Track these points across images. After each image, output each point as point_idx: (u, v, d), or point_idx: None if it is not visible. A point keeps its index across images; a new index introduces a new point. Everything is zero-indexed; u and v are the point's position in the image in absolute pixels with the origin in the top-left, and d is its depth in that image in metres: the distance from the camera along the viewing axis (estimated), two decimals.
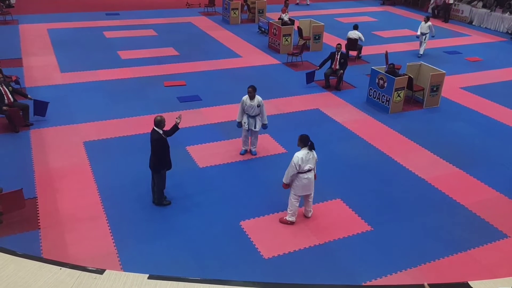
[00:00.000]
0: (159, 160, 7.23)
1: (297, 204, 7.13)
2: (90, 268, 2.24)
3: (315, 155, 7.01)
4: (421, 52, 16.07)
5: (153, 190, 7.59)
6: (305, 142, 6.86)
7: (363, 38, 15.43)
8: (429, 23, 15.86)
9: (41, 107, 10.24)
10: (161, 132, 7.16)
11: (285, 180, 7.06)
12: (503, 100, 12.49)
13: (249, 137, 9.11)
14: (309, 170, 6.93)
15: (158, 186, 7.47)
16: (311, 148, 6.88)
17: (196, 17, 20.92)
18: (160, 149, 7.16)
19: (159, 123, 7.15)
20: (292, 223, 7.24)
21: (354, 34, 15.33)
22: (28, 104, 10.13)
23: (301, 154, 6.82)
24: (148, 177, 8.20)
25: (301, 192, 7.03)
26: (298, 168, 6.83)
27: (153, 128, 7.18)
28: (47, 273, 2.18)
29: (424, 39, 15.99)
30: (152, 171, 7.41)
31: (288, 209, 7.17)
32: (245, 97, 8.74)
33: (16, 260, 2.27)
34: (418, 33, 16.13)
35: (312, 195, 7.26)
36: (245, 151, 9.22)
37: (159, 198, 7.55)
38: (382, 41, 17.82)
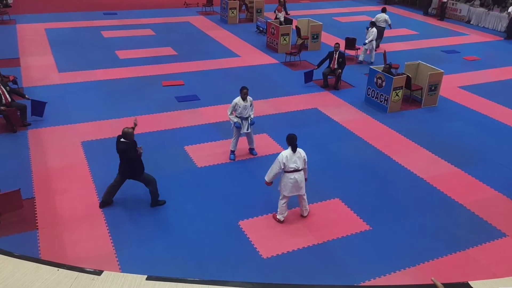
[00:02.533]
0: (134, 167, 7.16)
1: (284, 205, 7.12)
2: (88, 269, 2.23)
3: (303, 155, 6.95)
4: (372, 60, 14.98)
5: (108, 190, 7.45)
6: (289, 142, 6.88)
7: (389, 21, 16.21)
8: (373, 29, 14.77)
9: (38, 107, 10.20)
10: (127, 142, 7.05)
11: (267, 177, 7.07)
12: (501, 99, 12.50)
13: (240, 139, 9.03)
14: (296, 170, 6.90)
15: (152, 186, 7.37)
16: (294, 149, 6.86)
17: (194, 17, 20.90)
18: (130, 157, 7.06)
19: (126, 135, 7.01)
20: (279, 221, 7.25)
21: (381, 17, 16.05)
22: (26, 104, 10.10)
23: (286, 153, 6.85)
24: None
25: (289, 192, 7.01)
26: (283, 166, 6.84)
27: (119, 139, 7.07)
28: (45, 274, 2.17)
29: (369, 46, 14.84)
30: (135, 178, 7.32)
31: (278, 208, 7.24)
32: (238, 99, 8.60)
33: (13, 261, 2.26)
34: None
35: (305, 195, 7.22)
36: (235, 157, 9.07)
37: (156, 196, 7.48)
38: (381, 41, 17.80)
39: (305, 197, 7.24)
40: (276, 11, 18.00)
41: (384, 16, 16.29)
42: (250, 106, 8.75)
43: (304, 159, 6.97)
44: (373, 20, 15.74)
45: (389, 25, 16.48)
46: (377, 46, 16.35)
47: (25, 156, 8.89)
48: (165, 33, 17.90)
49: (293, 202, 7.72)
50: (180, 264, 6.36)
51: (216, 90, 12.43)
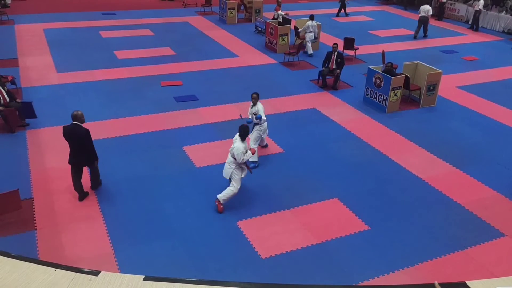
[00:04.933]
0: (93, 151, 7.51)
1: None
2: (85, 270, 2.23)
3: (235, 146, 7.17)
4: (310, 52, 15.74)
5: (76, 185, 7.62)
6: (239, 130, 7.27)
7: (430, 12, 18.17)
8: (309, 22, 15.31)
9: (28, 109, 10.03)
10: (81, 124, 7.36)
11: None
12: (500, 99, 12.52)
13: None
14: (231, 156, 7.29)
15: (96, 175, 7.79)
16: (242, 139, 7.22)
17: (192, 17, 20.90)
18: (91, 140, 7.43)
19: (76, 117, 7.32)
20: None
21: (425, 8, 17.99)
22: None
23: (236, 136, 7.32)
24: (145, 177, 8.22)
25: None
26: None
27: (74, 124, 7.33)
28: (42, 275, 2.17)
29: (309, 38, 15.64)
30: (88, 165, 7.63)
31: None
32: (251, 104, 8.82)
33: (11, 261, 2.26)
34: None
35: (231, 186, 7.43)
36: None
37: (97, 181, 7.89)
38: (379, 41, 17.85)
39: (229, 186, 7.44)
40: (275, 11, 18.01)
41: (427, 7, 18.18)
42: (253, 114, 8.64)
43: (235, 151, 7.17)
44: (311, 14, 16.02)
45: (429, 15, 18.09)
46: (426, 35, 18.58)
47: (24, 156, 8.88)
48: (163, 33, 17.89)
49: (293, 201, 7.75)
50: (179, 264, 6.36)
51: (214, 90, 12.43)
